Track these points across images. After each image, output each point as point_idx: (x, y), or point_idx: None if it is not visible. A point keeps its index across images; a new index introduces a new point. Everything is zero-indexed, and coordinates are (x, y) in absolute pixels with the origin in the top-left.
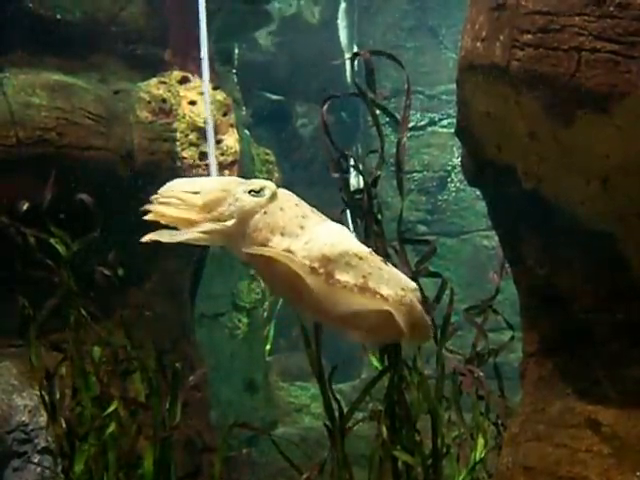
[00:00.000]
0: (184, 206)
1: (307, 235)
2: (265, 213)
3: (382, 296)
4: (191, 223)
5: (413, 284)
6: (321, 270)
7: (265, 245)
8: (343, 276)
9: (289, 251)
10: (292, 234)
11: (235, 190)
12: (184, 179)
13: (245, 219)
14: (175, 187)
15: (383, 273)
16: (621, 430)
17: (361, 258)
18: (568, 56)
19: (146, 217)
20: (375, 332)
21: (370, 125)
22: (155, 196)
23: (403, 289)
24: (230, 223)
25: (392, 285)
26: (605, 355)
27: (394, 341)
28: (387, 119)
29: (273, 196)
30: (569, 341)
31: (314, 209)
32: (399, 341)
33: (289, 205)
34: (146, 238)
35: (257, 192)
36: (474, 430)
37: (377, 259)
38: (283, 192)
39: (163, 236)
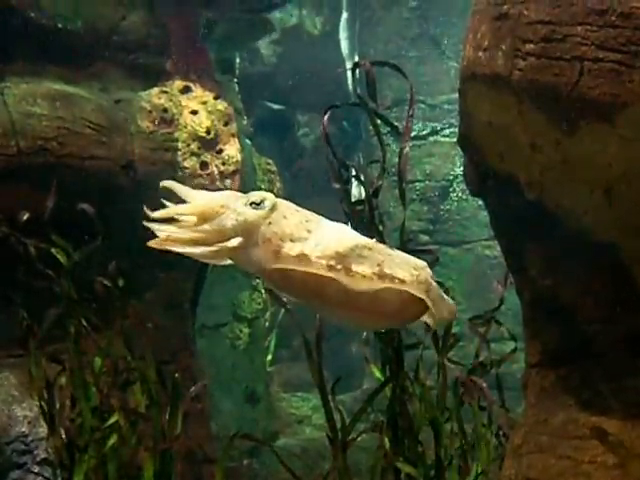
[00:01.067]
0: (183, 227)
1: (315, 237)
2: (270, 224)
3: (400, 279)
4: (196, 242)
5: (422, 262)
6: (339, 266)
7: (278, 253)
8: (360, 267)
9: (303, 255)
10: (301, 238)
11: (235, 204)
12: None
13: (250, 232)
14: (171, 208)
15: (394, 258)
16: (625, 441)
17: (370, 248)
18: (570, 66)
19: (150, 243)
20: (400, 316)
21: (372, 135)
22: (152, 215)
23: (415, 268)
24: (237, 241)
25: (405, 267)
26: (608, 366)
27: (418, 320)
28: (389, 129)
29: (274, 206)
30: (572, 352)
31: (312, 212)
32: (424, 319)
33: (290, 212)
34: (155, 244)
35: (258, 204)
36: (476, 441)
37: (383, 246)
38: (281, 201)
39: (173, 246)
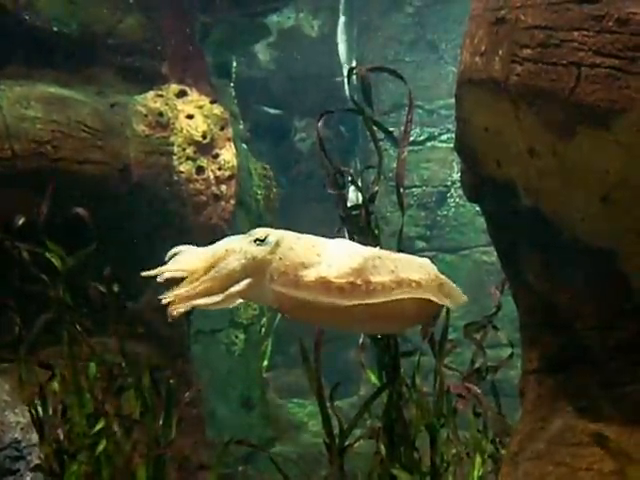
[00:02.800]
0: (191, 281)
1: (326, 259)
2: (281, 258)
3: (416, 282)
4: (208, 291)
5: (424, 259)
6: (359, 281)
7: (297, 283)
8: (377, 278)
9: (322, 278)
10: (314, 263)
11: (239, 246)
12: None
13: (260, 269)
14: (176, 262)
15: (402, 261)
16: (622, 448)
17: (379, 257)
18: (567, 71)
19: (165, 300)
20: (418, 316)
21: (369, 139)
22: (160, 271)
23: (421, 266)
24: (247, 282)
25: (415, 268)
26: (606, 373)
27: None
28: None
29: (279, 241)
30: (569, 359)
31: (309, 235)
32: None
33: (294, 241)
34: (174, 309)
35: (262, 240)
36: (472, 448)
37: (387, 252)
38: (283, 234)
39: (188, 303)
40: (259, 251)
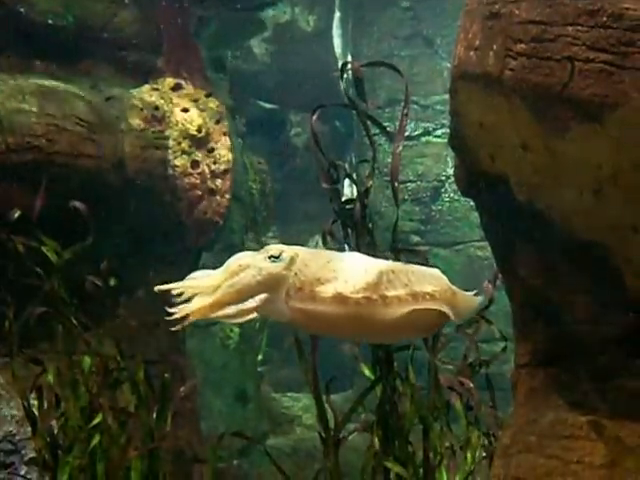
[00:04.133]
0: (205, 292)
1: (342, 274)
2: (296, 274)
3: (429, 294)
4: (221, 304)
5: (435, 270)
6: (374, 296)
7: (314, 299)
8: (392, 292)
9: (339, 294)
10: (330, 279)
11: (252, 262)
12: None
13: (275, 285)
14: (191, 281)
15: (415, 274)
16: (613, 441)
17: (393, 270)
18: (561, 66)
19: (176, 315)
20: (432, 326)
21: (364, 135)
22: (176, 291)
23: (433, 277)
24: (263, 297)
25: (427, 279)
26: (597, 366)
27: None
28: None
29: (293, 258)
30: (561, 353)
31: (323, 250)
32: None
33: (309, 258)
34: (188, 321)
35: (277, 257)
36: (465, 442)
37: (401, 265)
38: (297, 250)
39: (201, 315)
40: (274, 267)
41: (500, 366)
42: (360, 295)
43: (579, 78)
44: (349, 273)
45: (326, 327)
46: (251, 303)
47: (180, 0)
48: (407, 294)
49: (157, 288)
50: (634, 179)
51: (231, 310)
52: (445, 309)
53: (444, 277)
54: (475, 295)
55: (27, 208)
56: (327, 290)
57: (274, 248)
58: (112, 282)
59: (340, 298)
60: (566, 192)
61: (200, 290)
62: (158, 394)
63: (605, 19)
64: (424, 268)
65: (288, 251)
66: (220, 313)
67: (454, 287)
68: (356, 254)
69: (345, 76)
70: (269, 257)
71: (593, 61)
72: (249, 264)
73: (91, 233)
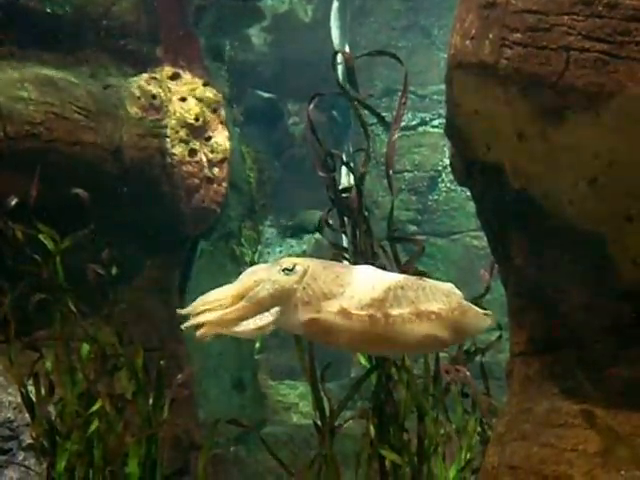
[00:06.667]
0: (220, 307)
1: (349, 290)
2: (304, 288)
3: (435, 313)
4: (236, 320)
5: (450, 285)
6: (378, 314)
7: (319, 313)
8: (396, 310)
9: (343, 309)
10: (337, 294)
11: (267, 275)
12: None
13: (287, 298)
14: (205, 298)
15: (426, 291)
16: (606, 430)
17: (402, 287)
18: (557, 55)
19: (198, 336)
20: (439, 343)
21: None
22: (189, 309)
23: (446, 295)
24: (276, 311)
25: (438, 297)
26: (592, 355)
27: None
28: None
29: (306, 271)
30: (556, 341)
31: (337, 262)
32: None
33: (319, 271)
34: (200, 335)
35: (290, 270)
36: (461, 429)
37: (413, 279)
38: (309, 263)
39: (214, 330)
40: (286, 280)
41: (495, 355)
42: (364, 312)
43: (574, 67)
44: (356, 288)
45: (335, 339)
46: (267, 318)
47: None
48: (411, 313)
49: (179, 312)
50: (629, 168)
51: (248, 327)
52: (442, 333)
53: (457, 292)
54: (486, 314)
55: (26, 196)
56: (332, 305)
57: (287, 261)
58: (114, 271)
59: (344, 314)
60: (561, 181)
61: (215, 305)
62: (155, 381)
63: (601, 8)
64: (438, 283)
65: (301, 263)
66: (238, 329)
67: (465, 303)
68: (368, 268)
69: (340, 66)
70: (282, 270)
71: (589, 50)
72: (263, 278)
73: (90, 221)
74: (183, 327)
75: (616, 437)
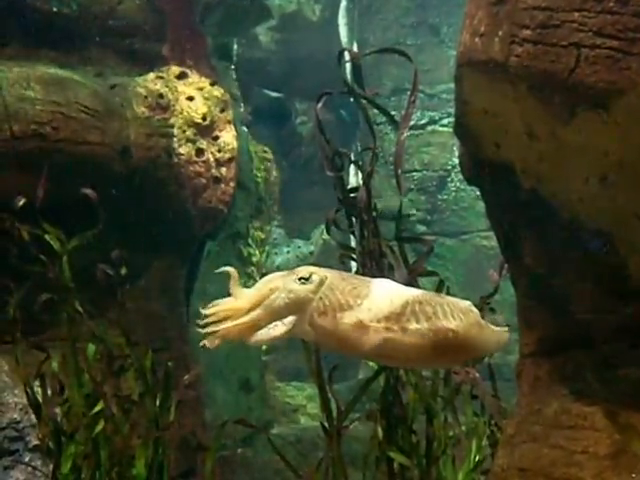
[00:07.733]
0: (237, 315)
1: (366, 302)
2: (321, 298)
3: (452, 330)
4: (252, 328)
5: (467, 303)
6: (395, 327)
7: (336, 324)
8: (414, 325)
9: (360, 322)
10: (354, 306)
11: (283, 284)
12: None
13: (303, 307)
14: (220, 305)
15: (443, 306)
16: (617, 431)
17: (420, 302)
18: (567, 52)
19: (206, 343)
20: (456, 357)
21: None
22: (205, 321)
23: (463, 312)
24: (292, 320)
25: (455, 314)
26: (602, 356)
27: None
28: (386, 117)
29: (322, 280)
30: (565, 342)
31: (354, 275)
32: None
33: (337, 282)
34: (211, 343)
35: (307, 279)
36: (470, 431)
37: (431, 295)
38: (326, 273)
39: (229, 337)
40: (302, 290)
41: (504, 356)
42: (381, 325)
43: (585, 64)
44: (374, 301)
45: (350, 350)
46: (282, 328)
47: None
48: (428, 329)
49: (197, 323)
50: None
51: (262, 337)
52: (466, 340)
53: (474, 310)
54: (505, 330)
55: (32, 196)
56: (349, 317)
57: (304, 270)
58: (123, 271)
59: (360, 326)
60: (571, 180)
61: (231, 313)
62: (162, 382)
63: (612, 5)
64: (455, 300)
65: (318, 273)
66: (253, 339)
67: (482, 321)
68: (387, 281)
69: (340, 63)
70: (299, 279)
71: (600, 47)
72: (279, 286)
73: (98, 221)
74: (203, 340)
75: (627, 438)
